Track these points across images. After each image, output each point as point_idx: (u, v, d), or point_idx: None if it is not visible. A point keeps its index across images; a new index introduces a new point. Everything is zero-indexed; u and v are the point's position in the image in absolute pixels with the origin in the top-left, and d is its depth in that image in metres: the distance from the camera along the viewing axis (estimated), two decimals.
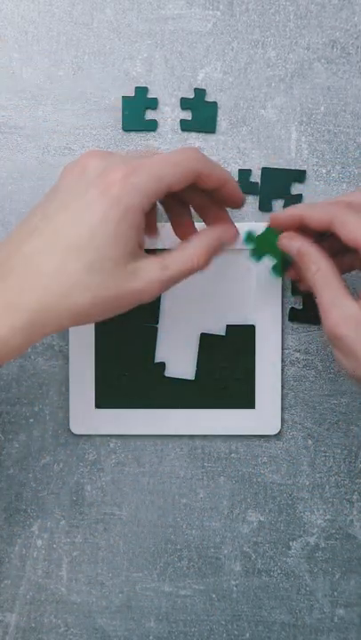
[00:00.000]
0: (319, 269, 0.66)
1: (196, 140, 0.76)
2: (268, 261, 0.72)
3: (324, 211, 0.66)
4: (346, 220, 0.65)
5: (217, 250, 0.68)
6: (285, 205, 0.76)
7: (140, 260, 0.64)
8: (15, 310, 0.61)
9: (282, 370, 0.76)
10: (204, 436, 0.77)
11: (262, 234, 0.71)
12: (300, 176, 0.76)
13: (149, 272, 0.64)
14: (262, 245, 0.71)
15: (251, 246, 0.72)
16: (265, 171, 0.76)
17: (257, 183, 0.76)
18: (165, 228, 0.73)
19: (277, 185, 0.76)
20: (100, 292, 0.63)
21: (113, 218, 0.62)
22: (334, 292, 0.65)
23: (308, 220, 0.67)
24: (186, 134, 0.76)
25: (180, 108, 0.76)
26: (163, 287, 0.65)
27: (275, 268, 0.72)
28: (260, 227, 0.71)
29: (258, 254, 0.72)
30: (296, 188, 0.76)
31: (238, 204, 0.69)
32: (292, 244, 0.68)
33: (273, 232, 0.70)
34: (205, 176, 0.66)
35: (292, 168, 0.76)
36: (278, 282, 0.75)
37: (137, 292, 0.64)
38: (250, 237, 0.72)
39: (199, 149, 0.68)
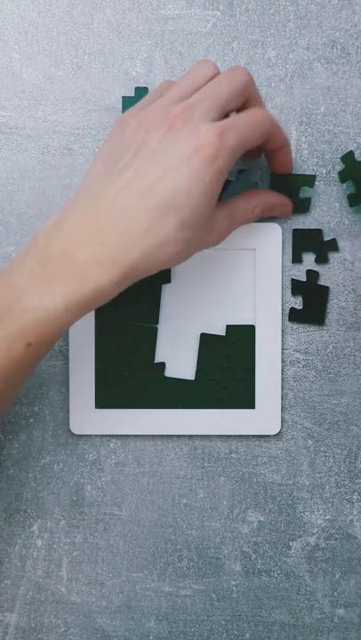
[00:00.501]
0: None
1: None
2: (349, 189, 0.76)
3: None
4: None
5: (269, 212, 0.74)
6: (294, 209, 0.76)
7: (216, 212, 0.68)
8: (116, 266, 0.64)
9: (282, 370, 0.76)
10: (204, 436, 0.77)
11: (358, 161, 0.74)
12: (308, 180, 0.75)
13: (221, 224, 0.69)
14: (352, 171, 0.75)
15: (343, 165, 0.75)
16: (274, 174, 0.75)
17: (256, 183, 0.76)
18: None
19: (286, 188, 0.76)
20: (186, 246, 0.66)
21: (209, 178, 0.65)
22: None
23: None
24: None
25: None
26: (227, 236, 0.70)
27: (350, 197, 0.75)
28: None
29: (344, 177, 0.75)
30: (305, 192, 0.76)
31: (289, 169, 0.75)
32: None
33: None
34: (274, 136, 0.71)
35: (302, 173, 0.76)
36: (278, 281, 0.75)
37: (209, 243, 0.69)
38: (347, 158, 0.75)
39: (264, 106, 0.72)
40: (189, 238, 0.66)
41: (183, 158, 0.65)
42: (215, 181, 0.65)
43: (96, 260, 0.64)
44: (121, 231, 0.64)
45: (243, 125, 0.67)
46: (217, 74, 0.69)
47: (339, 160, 0.76)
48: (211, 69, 0.69)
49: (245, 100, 0.70)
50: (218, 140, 0.65)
